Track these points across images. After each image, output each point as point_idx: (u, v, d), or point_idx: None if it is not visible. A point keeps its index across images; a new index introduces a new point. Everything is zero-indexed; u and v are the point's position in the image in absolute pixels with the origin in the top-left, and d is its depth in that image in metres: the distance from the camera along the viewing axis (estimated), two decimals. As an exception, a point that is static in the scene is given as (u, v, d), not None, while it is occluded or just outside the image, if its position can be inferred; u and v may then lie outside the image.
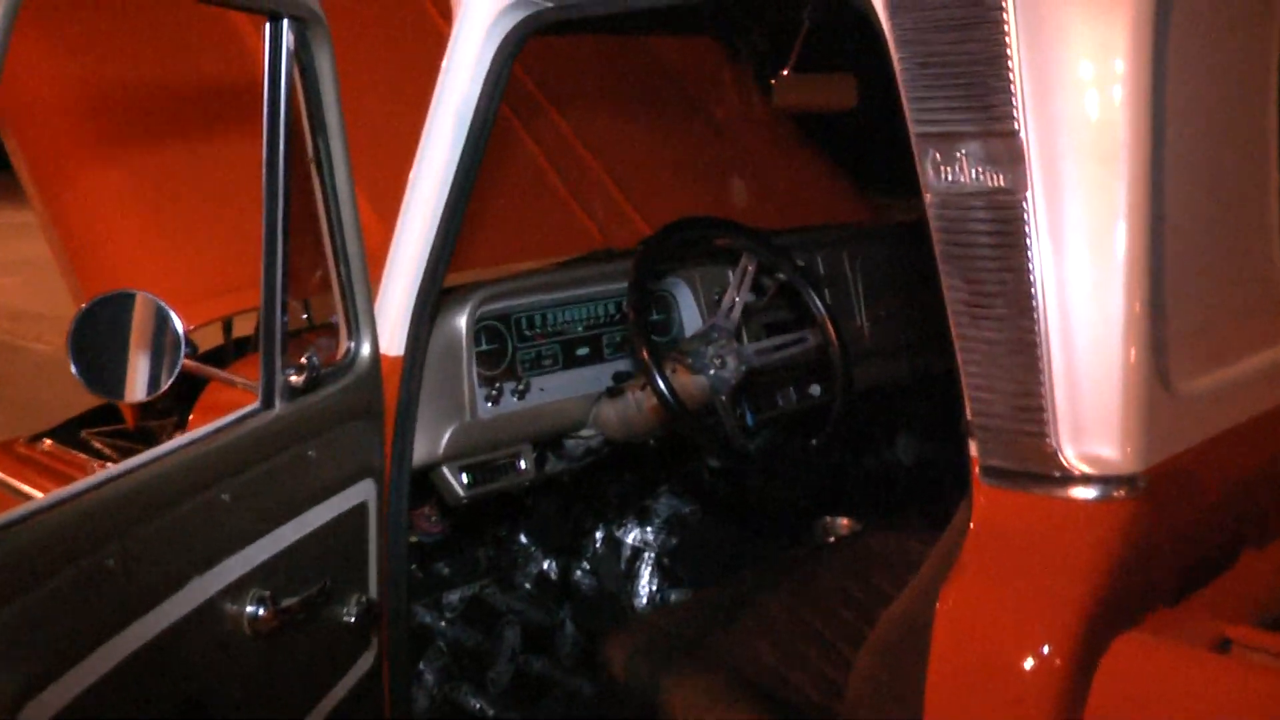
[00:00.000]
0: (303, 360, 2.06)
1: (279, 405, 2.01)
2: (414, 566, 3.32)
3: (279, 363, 2.00)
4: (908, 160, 1.64)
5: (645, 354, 2.47)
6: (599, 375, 2.97)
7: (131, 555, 1.64)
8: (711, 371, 2.62)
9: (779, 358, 2.73)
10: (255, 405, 2.00)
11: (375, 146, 2.69)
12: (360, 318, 2.28)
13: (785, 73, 3.29)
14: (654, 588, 3.59)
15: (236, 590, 1.84)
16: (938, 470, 4.30)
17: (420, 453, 2.58)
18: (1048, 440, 1.52)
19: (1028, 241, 1.52)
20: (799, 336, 2.77)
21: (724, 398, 2.59)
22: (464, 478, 2.70)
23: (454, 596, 3.38)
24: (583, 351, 2.99)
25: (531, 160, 3.52)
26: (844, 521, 3.36)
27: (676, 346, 2.65)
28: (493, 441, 2.75)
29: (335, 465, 2.15)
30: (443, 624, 3.34)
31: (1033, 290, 1.52)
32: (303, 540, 2.02)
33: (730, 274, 3.19)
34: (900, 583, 2.75)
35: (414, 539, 3.23)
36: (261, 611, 1.87)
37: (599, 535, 3.63)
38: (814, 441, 2.68)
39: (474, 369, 2.71)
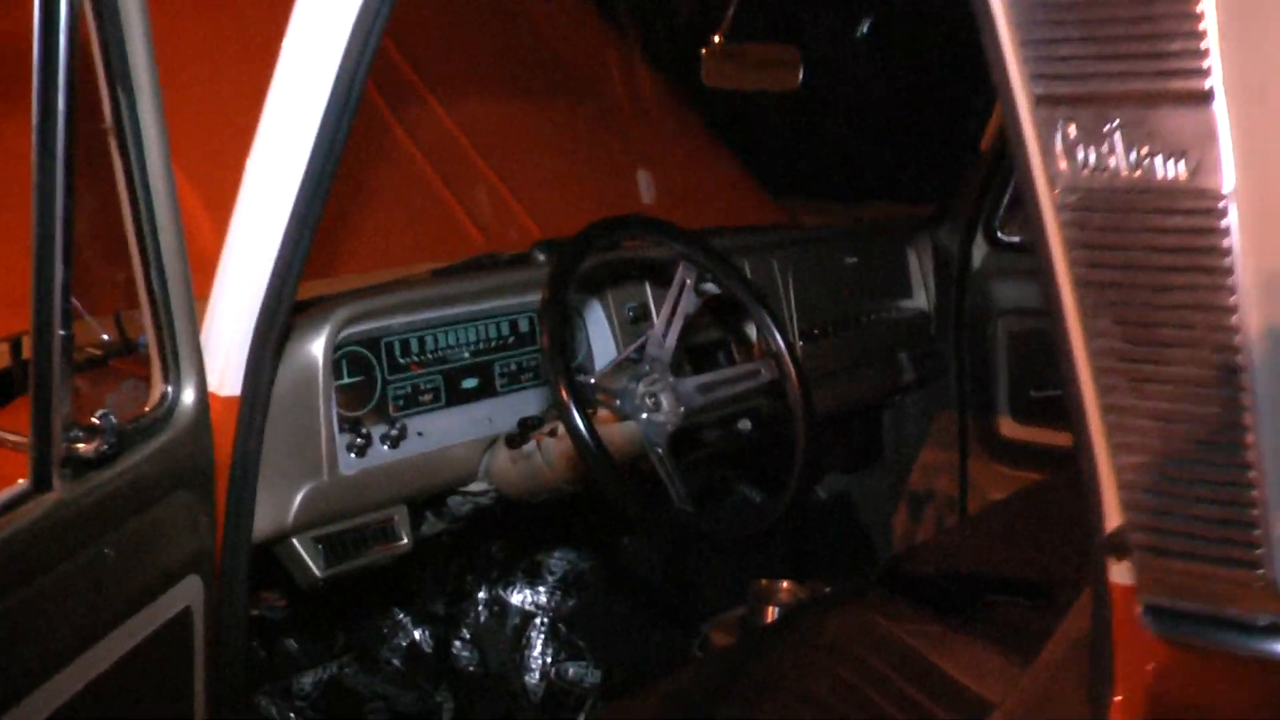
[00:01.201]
0: (95, 419, 1.43)
1: (59, 487, 1.38)
2: (255, 645, 2.69)
3: (57, 425, 1.37)
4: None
5: (565, 393, 1.90)
6: (491, 413, 2.39)
7: None
8: (644, 416, 2.05)
9: (725, 396, 2.17)
10: (22, 487, 1.37)
11: (207, 115, 2.08)
12: (181, 349, 1.65)
13: (717, 39, 2.72)
14: (548, 660, 3.01)
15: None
16: (854, 504, 3.81)
17: (264, 524, 1.98)
18: (1260, 572, 0.99)
19: (1231, 264, 0.98)
20: (750, 370, 2.21)
21: (660, 450, 2.02)
22: (321, 552, 2.09)
23: (306, 681, 2.76)
24: (470, 384, 2.40)
25: (401, 148, 2.90)
26: (784, 585, 2.82)
27: (598, 383, 2.07)
28: (359, 504, 2.15)
29: (145, 565, 1.53)
30: (292, 716, 2.71)
31: (1238, 340, 0.98)
32: (92, 685, 1.39)
33: (649, 287, 2.64)
34: (874, 677, 2.23)
35: (255, 612, 2.61)
36: None
37: (481, 597, 3.04)
38: (777, 507, 2.13)
39: (334, 410, 2.11)
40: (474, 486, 2.33)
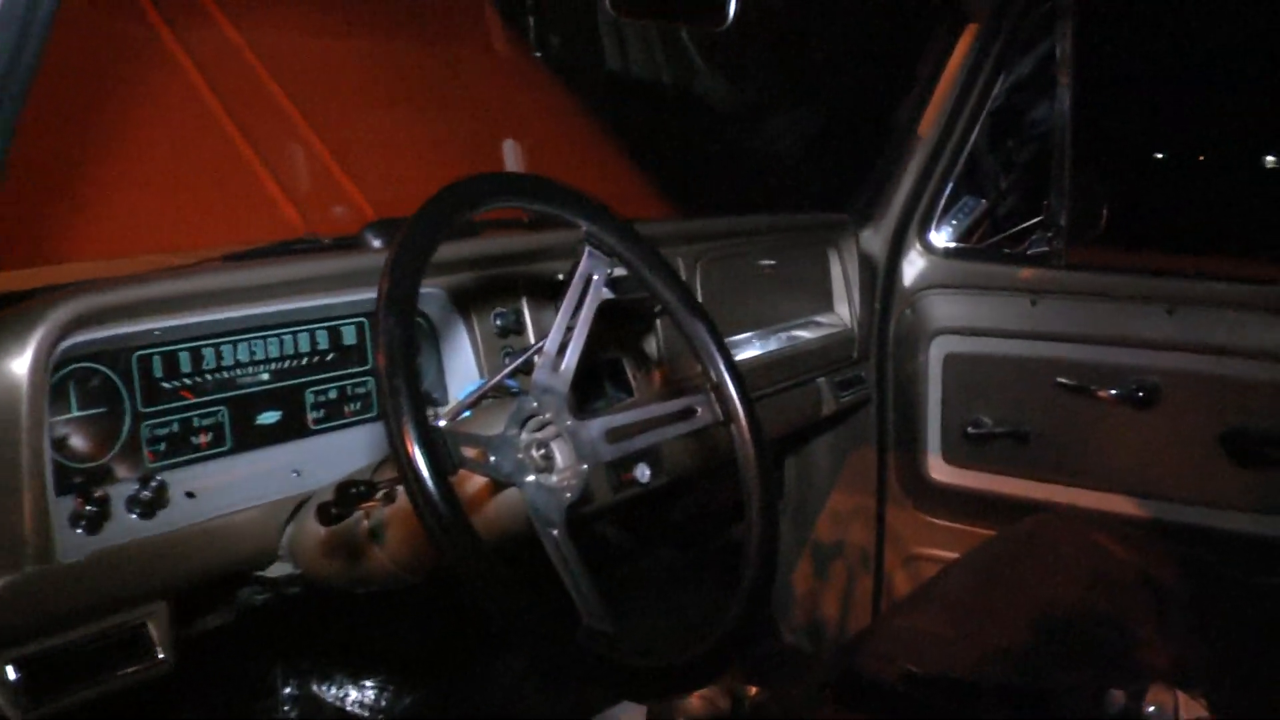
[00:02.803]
0: None
1: None
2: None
3: None
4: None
5: (411, 444, 1.20)
6: (299, 462, 1.68)
7: None
8: (531, 479, 1.35)
9: (642, 447, 1.49)
10: None
11: None
12: None
13: (624, -48, 2.06)
14: (376, 778, 2.32)
15: None
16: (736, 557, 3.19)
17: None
18: None
19: None
20: (682, 408, 1.53)
21: (556, 532, 1.33)
22: (22, 684, 1.36)
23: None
24: (269, 419, 1.67)
25: (190, 91, 2.18)
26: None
27: (460, 427, 1.37)
28: (89, 605, 1.42)
29: None
30: None
31: None
32: None
33: (523, 290, 1.95)
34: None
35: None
36: None
37: (286, 694, 2.32)
38: (730, 616, 1.45)
39: (47, 460, 1.37)
40: (273, 570, 1.61)
